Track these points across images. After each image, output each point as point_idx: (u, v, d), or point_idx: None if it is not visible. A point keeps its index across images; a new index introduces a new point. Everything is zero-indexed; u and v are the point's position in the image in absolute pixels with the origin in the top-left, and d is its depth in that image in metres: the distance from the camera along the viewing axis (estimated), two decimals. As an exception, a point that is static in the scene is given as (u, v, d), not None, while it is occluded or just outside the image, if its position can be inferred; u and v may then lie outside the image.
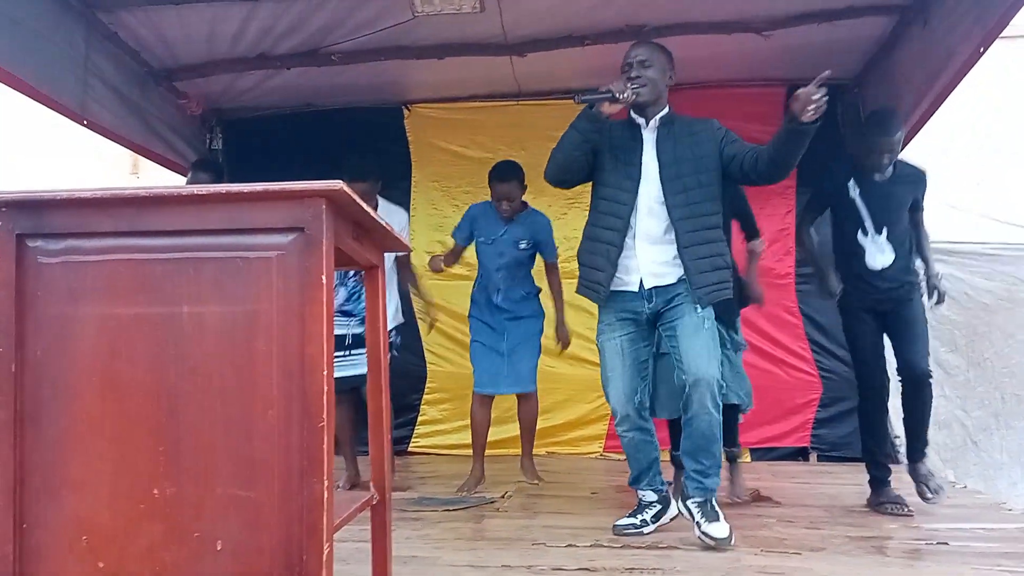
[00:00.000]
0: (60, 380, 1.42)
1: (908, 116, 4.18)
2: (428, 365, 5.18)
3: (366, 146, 4.99)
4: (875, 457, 3.45)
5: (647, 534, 2.85)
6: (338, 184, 1.40)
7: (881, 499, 3.35)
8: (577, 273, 5.00)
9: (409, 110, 5.31)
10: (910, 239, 3.49)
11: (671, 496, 3.02)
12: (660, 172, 2.84)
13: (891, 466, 3.48)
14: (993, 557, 2.54)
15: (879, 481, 3.41)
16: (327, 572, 1.36)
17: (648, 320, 2.89)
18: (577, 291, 3.01)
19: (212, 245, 1.42)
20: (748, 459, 4.80)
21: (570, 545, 2.67)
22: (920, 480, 3.35)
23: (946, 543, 2.73)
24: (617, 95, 2.68)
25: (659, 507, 2.94)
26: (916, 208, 3.51)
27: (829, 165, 3.66)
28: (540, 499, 3.61)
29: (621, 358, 2.89)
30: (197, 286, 1.42)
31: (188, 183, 4.40)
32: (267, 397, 1.39)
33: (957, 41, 3.57)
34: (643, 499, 2.95)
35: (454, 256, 3.99)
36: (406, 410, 5.12)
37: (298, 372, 1.38)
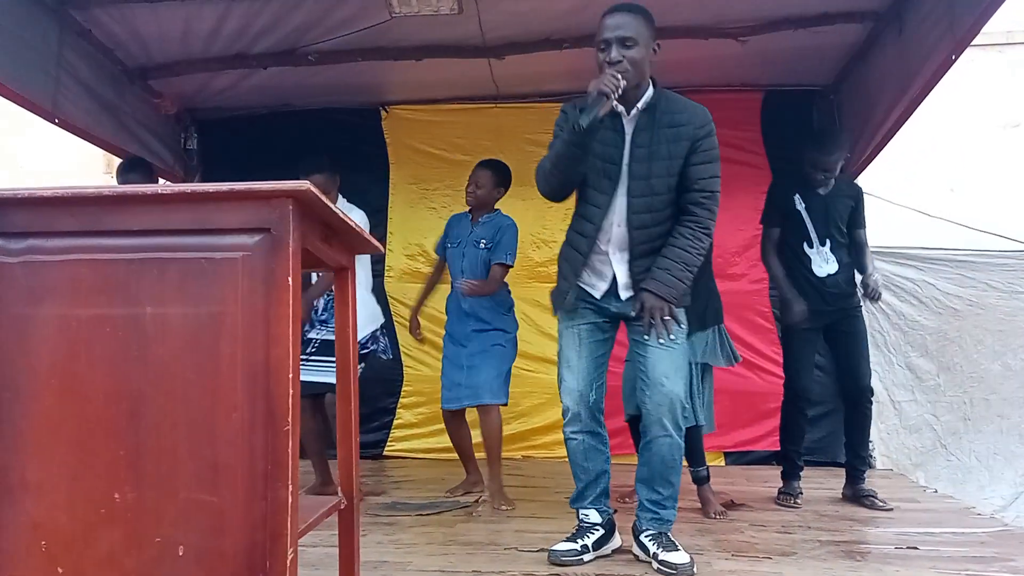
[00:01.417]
0: (19, 382, 1.39)
1: (882, 122, 4.23)
2: (404, 369, 5.15)
3: (343, 147, 4.96)
4: (789, 455, 3.73)
5: (587, 562, 2.54)
6: (305, 184, 1.38)
7: (792, 490, 3.65)
8: (554, 278, 5.12)
9: (387, 111, 5.29)
10: (849, 251, 3.68)
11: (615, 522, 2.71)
12: (628, 169, 2.51)
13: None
14: (961, 561, 2.56)
15: (789, 475, 3.71)
16: (291, 577, 1.34)
17: (612, 316, 2.64)
18: (551, 296, 2.76)
19: (176, 245, 1.41)
20: (723, 463, 4.83)
21: (542, 550, 2.65)
22: (867, 495, 3.57)
23: (916, 547, 2.75)
24: (611, 94, 2.33)
25: (601, 532, 2.61)
26: (856, 224, 3.72)
27: (775, 180, 3.84)
28: (515, 504, 3.59)
29: (578, 349, 2.60)
30: (161, 287, 1.40)
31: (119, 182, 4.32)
32: (231, 400, 1.37)
33: (929, 49, 3.61)
34: (584, 520, 2.62)
35: (438, 272, 4.01)
36: (381, 414, 5.09)
37: (263, 375, 1.36)
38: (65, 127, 4.07)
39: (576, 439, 2.64)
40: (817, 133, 3.78)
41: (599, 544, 2.60)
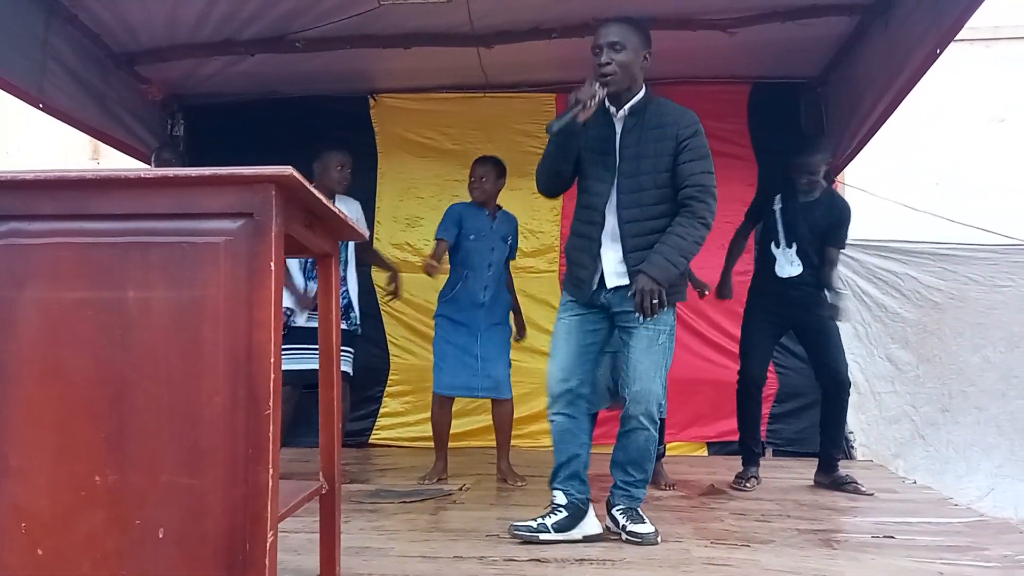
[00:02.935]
0: (1, 366, 1.40)
1: (868, 115, 4.26)
2: (391, 357, 5.16)
3: (331, 135, 4.95)
4: (744, 440, 3.88)
5: (544, 541, 2.59)
6: (288, 170, 1.39)
7: (745, 475, 3.76)
8: (541, 268, 5.14)
9: (375, 100, 5.28)
10: (821, 258, 3.81)
11: (592, 510, 2.75)
12: (618, 167, 2.69)
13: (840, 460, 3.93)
14: (935, 550, 2.59)
15: (748, 461, 3.83)
16: (270, 560, 1.36)
17: (602, 308, 2.75)
18: (563, 286, 2.87)
19: (159, 230, 1.41)
20: (705, 453, 4.87)
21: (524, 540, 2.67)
22: (846, 481, 3.70)
23: (892, 536, 2.79)
24: (588, 103, 2.52)
25: (564, 514, 2.66)
26: (833, 241, 3.82)
27: (766, 181, 3.96)
28: (497, 492, 3.62)
29: (566, 338, 2.76)
30: (143, 271, 1.40)
31: (154, 165, 4.37)
32: (213, 384, 1.38)
33: (915, 42, 3.63)
34: (552, 500, 2.74)
35: (439, 255, 3.81)
36: (368, 402, 5.10)
37: (244, 359, 1.37)
38: (50, 112, 4.05)
39: (555, 420, 2.78)
40: (803, 140, 3.95)
41: (561, 527, 2.65)
